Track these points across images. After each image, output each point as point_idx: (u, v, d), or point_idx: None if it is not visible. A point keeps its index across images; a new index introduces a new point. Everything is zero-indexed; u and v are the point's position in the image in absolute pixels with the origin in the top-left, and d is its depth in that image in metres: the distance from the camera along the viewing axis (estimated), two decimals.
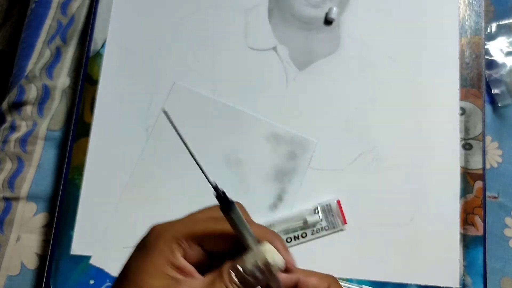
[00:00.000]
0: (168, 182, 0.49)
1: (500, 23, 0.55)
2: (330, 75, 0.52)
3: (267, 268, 0.27)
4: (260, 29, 0.53)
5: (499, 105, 0.53)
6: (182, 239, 0.27)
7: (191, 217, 0.29)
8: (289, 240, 0.48)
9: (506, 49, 0.55)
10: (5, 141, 0.53)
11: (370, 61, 0.52)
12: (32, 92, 0.54)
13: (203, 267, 0.28)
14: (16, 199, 0.51)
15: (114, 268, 0.47)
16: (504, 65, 0.54)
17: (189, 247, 0.27)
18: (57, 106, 0.54)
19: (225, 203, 0.27)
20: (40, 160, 0.53)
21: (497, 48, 0.55)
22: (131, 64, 0.52)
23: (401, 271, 0.48)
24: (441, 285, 0.47)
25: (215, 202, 0.28)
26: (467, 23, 0.52)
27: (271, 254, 0.27)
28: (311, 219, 0.48)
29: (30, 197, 0.51)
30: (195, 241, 0.28)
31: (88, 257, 0.48)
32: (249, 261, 0.27)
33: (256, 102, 0.51)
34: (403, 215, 0.49)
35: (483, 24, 0.52)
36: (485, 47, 0.53)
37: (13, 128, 0.54)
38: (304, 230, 0.48)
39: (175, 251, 0.27)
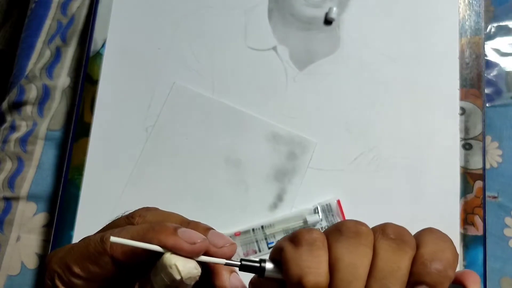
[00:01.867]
0: (168, 182, 0.49)
1: (500, 24, 0.55)
2: (330, 75, 0.52)
3: (179, 284, 0.22)
4: (260, 29, 0.53)
5: (497, 104, 0.53)
6: (58, 267, 0.25)
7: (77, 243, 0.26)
8: None
9: (504, 50, 0.55)
10: (5, 141, 0.53)
11: (370, 61, 0.52)
12: (32, 92, 0.54)
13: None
14: (16, 199, 0.51)
15: None
16: (503, 65, 0.54)
17: (66, 273, 0.25)
18: (57, 106, 0.54)
19: (257, 269, 0.25)
20: (40, 160, 0.53)
21: (495, 48, 0.55)
22: (131, 64, 0.52)
23: None
24: None
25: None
26: (467, 23, 0.52)
27: (173, 268, 0.22)
28: (311, 219, 0.48)
29: (30, 197, 0.51)
30: (71, 268, 0.25)
31: None
32: (157, 280, 0.22)
33: (256, 102, 0.51)
34: (403, 215, 0.49)
35: (483, 24, 0.52)
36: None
37: (13, 128, 0.54)
38: None
39: (55, 279, 0.25)
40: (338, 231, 0.25)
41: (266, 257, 0.26)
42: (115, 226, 0.26)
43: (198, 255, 0.24)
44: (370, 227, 0.26)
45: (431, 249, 0.24)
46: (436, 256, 0.24)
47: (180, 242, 0.23)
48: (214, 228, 0.26)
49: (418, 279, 0.23)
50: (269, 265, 0.25)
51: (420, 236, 0.26)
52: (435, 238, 0.25)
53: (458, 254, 0.25)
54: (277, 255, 0.25)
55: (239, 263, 0.25)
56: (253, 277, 0.27)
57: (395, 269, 0.23)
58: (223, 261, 0.24)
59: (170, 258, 0.22)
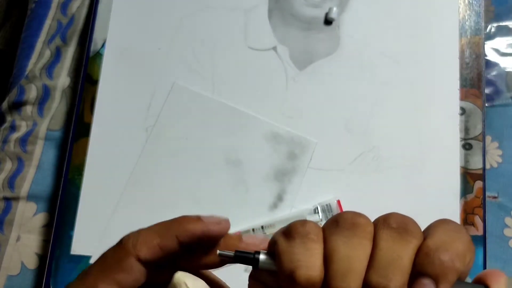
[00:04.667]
0: (168, 182, 0.49)
1: (500, 24, 0.55)
2: (330, 75, 0.52)
3: None
4: (260, 29, 0.53)
5: (497, 104, 0.53)
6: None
7: None
8: None
9: (504, 50, 0.55)
10: (5, 141, 0.53)
11: (370, 61, 0.52)
12: (32, 92, 0.54)
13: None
14: (16, 199, 0.51)
15: None
16: (503, 65, 0.54)
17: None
18: (57, 106, 0.54)
19: (251, 260, 0.25)
20: (40, 160, 0.53)
21: (495, 48, 0.55)
22: (131, 64, 0.52)
23: None
24: None
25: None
26: (467, 23, 0.52)
27: (183, 286, 0.23)
28: (311, 219, 0.48)
29: (30, 197, 0.51)
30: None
31: (88, 257, 0.48)
32: None
33: (256, 102, 0.51)
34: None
35: (483, 24, 0.52)
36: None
37: (13, 128, 0.54)
38: None
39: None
40: (335, 222, 0.24)
41: None
42: (107, 258, 0.26)
43: (225, 233, 0.25)
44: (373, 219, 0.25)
45: (438, 239, 0.23)
46: (442, 246, 0.22)
47: (209, 225, 0.24)
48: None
49: (419, 269, 0.22)
50: (263, 257, 0.25)
51: (430, 227, 0.24)
52: (445, 229, 0.24)
53: (473, 247, 0.23)
54: (272, 247, 0.25)
55: (233, 253, 0.25)
56: (252, 269, 0.27)
57: (395, 259, 0.22)
58: (216, 251, 0.25)
59: (180, 277, 0.23)
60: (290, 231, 0.24)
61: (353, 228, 0.23)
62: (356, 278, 0.22)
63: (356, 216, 0.24)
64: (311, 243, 0.23)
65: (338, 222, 0.24)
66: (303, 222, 0.24)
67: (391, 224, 0.23)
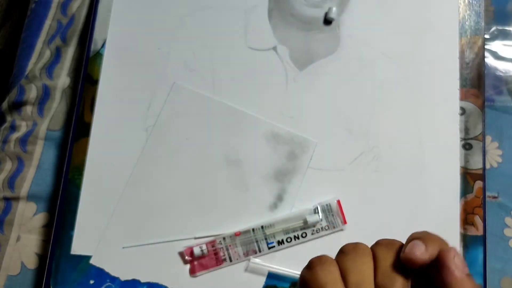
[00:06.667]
0: (168, 182, 0.49)
1: (499, 24, 0.55)
2: (330, 75, 0.52)
3: None
4: (260, 29, 0.53)
5: (497, 104, 0.53)
6: None
7: None
8: (289, 240, 0.48)
9: (503, 50, 0.55)
10: (5, 141, 0.53)
11: (370, 61, 0.52)
12: (32, 92, 0.54)
13: None
14: (16, 199, 0.51)
15: (114, 268, 0.47)
16: (502, 65, 0.54)
17: None
18: (57, 106, 0.54)
19: None
20: (40, 160, 0.53)
21: (493, 50, 0.55)
22: (131, 64, 0.52)
23: None
24: None
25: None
26: (467, 23, 0.52)
27: None
28: (311, 219, 0.48)
29: (30, 197, 0.51)
30: None
31: (88, 257, 0.48)
32: None
33: (256, 102, 0.51)
34: (403, 215, 0.49)
35: (483, 24, 0.52)
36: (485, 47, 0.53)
37: (13, 128, 0.54)
38: (304, 230, 0.48)
39: None
40: (342, 252, 0.30)
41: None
42: None
43: None
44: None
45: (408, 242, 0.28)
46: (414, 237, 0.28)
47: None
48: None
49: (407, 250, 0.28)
50: None
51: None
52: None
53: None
54: (300, 283, 0.30)
55: None
56: None
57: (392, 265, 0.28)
58: None
59: None
60: (309, 263, 0.30)
61: (355, 251, 0.30)
62: (368, 285, 0.28)
63: (356, 243, 0.30)
64: (330, 266, 0.29)
65: (344, 251, 0.30)
66: (319, 256, 0.30)
67: (381, 242, 0.30)
